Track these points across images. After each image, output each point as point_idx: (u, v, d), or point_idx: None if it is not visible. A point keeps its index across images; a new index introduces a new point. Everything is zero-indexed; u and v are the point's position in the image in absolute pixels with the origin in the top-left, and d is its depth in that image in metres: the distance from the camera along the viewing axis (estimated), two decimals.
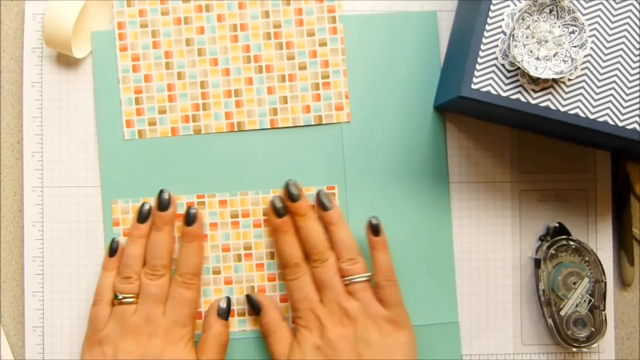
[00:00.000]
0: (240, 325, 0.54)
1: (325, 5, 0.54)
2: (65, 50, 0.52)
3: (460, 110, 0.53)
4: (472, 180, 0.55)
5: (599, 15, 0.45)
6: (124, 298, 0.50)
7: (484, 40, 0.44)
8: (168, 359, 0.49)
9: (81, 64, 0.54)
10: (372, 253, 0.51)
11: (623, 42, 0.45)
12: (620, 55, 0.45)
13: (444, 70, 0.53)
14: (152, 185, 0.54)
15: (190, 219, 0.52)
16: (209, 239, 0.53)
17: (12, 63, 0.55)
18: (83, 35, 0.54)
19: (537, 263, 0.53)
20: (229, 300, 0.53)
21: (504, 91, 0.44)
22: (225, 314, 0.52)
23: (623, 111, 0.44)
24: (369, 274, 0.50)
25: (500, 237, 0.55)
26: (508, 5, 0.44)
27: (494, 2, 0.44)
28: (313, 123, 0.54)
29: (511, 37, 0.43)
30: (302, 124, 0.54)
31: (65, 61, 0.54)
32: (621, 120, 0.44)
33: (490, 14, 0.44)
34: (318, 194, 0.52)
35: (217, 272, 0.53)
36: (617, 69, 0.45)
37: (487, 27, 0.44)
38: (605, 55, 0.45)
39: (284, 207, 0.52)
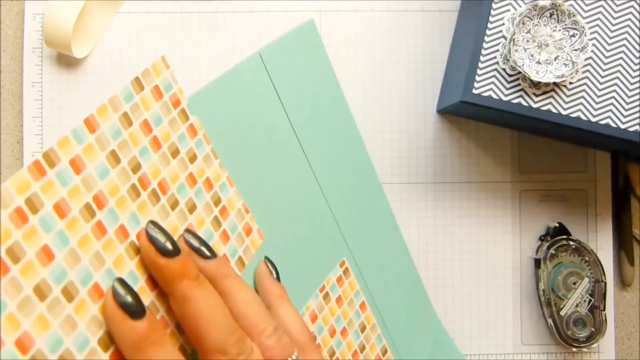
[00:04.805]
0: None
1: (167, 99, 0.35)
2: (65, 50, 0.52)
3: (463, 115, 0.53)
4: (472, 180, 0.55)
5: (599, 19, 0.44)
6: None
7: (484, 45, 0.44)
8: None
9: (81, 64, 0.54)
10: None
11: (624, 45, 0.45)
12: (621, 58, 0.45)
13: (446, 74, 0.53)
14: None
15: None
16: None
17: (12, 63, 0.55)
18: (83, 35, 0.53)
19: (537, 263, 0.53)
20: None
21: (506, 95, 0.44)
22: None
23: (625, 113, 0.44)
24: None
25: (500, 237, 0.55)
26: (508, 10, 0.44)
27: (494, 6, 0.44)
28: None
29: (512, 42, 0.43)
30: None
31: (65, 61, 0.54)
32: (623, 123, 0.44)
33: (491, 19, 0.44)
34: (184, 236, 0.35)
35: None
36: (618, 71, 0.45)
37: (488, 32, 0.44)
38: (606, 58, 0.45)
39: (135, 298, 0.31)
